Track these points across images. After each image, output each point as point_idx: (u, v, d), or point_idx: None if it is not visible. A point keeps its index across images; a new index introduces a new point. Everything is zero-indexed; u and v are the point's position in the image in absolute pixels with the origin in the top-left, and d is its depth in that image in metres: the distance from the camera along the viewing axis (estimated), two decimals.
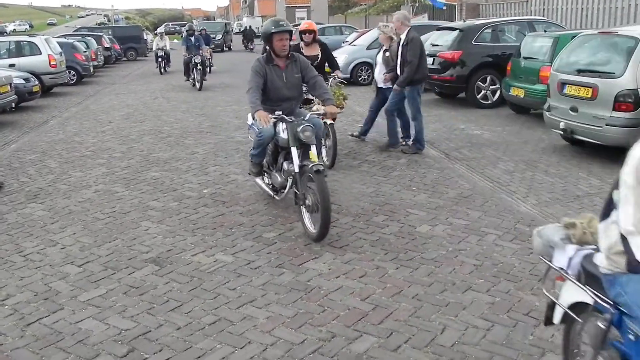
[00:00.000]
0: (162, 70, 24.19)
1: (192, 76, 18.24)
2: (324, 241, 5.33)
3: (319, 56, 7.98)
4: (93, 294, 4.45)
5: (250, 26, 48.11)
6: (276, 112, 5.59)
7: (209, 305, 4.21)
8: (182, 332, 3.86)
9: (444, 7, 28.35)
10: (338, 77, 8.18)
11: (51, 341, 3.79)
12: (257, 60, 5.88)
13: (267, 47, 5.91)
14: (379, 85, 9.19)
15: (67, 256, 5.20)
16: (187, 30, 18.77)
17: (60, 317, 4.11)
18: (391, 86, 8.73)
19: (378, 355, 3.54)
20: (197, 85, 17.76)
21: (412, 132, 8.86)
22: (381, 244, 5.24)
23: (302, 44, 8.04)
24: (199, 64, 17.71)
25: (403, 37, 8.43)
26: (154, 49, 25.29)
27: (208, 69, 20.24)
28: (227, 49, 44.09)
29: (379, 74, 9.12)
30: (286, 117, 5.59)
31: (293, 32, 6.15)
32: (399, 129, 9.08)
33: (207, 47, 19.72)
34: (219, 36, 41.56)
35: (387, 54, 8.81)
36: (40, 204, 6.75)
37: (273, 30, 5.67)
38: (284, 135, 5.64)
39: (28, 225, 6.06)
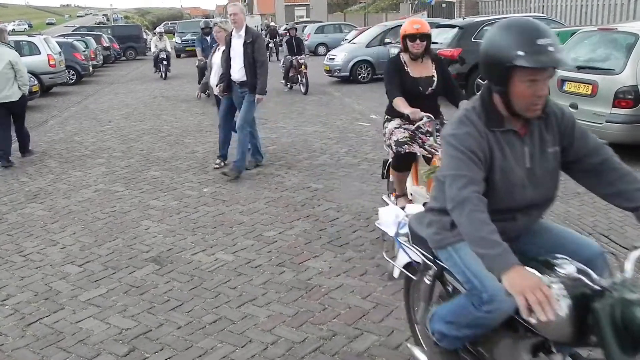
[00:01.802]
0: (164, 75, 21.63)
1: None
2: (323, 239, 5.33)
3: (435, 79, 4.88)
4: (93, 293, 4.45)
5: (269, 24, 42.43)
6: None
7: (209, 304, 4.21)
8: (182, 331, 3.86)
9: (444, 5, 28.33)
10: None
11: (52, 341, 3.79)
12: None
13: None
14: (216, 93, 8.10)
15: (68, 256, 5.20)
16: (202, 28, 15.37)
17: (60, 316, 4.11)
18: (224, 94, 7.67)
19: (379, 353, 3.53)
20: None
21: (245, 148, 7.57)
22: (381, 242, 5.23)
23: (404, 57, 4.93)
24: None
25: (242, 33, 7.26)
26: (152, 50, 22.80)
27: None
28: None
29: (216, 80, 7.93)
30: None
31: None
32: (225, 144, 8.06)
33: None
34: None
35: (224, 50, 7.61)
36: (40, 204, 6.75)
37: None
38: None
39: (28, 225, 6.06)
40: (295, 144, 9.45)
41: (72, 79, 20.33)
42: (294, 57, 15.76)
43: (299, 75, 15.83)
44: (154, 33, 27.76)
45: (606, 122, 7.35)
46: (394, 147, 4.83)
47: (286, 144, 9.47)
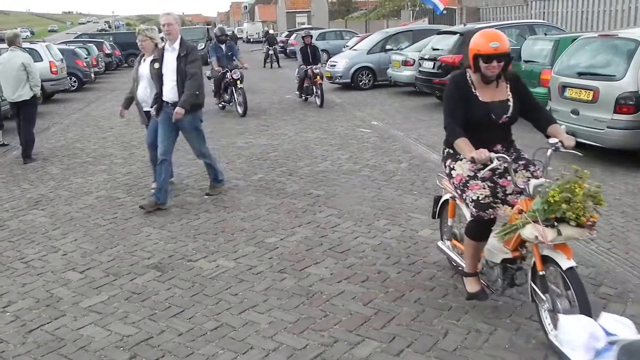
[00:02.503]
0: None
1: (226, 97, 13.78)
2: (325, 246, 5.33)
3: (510, 104, 3.93)
4: (95, 300, 4.45)
5: (268, 30, 41.24)
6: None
7: (210, 311, 4.20)
8: (184, 337, 3.85)
9: (445, 12, 28.39)
10: (564, 146, 3.83)
11: (53, 348, 3.79)
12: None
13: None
14: (147, 110, 7.05)
15: (69, 262, 5.20)
16: (217, 36, 13.55)
17: (62, 323, 4.11)
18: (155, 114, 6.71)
19: None
20: (239, 109, 13.27)
21: (216, 163, 7.07)
22: (383, 249, 5.23)
23: (472, 77, 3.99)
24: (238, 81, 12.96)
25: (177, 45, 6.44)
26: None
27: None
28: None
29: (147, 94, 7.01)
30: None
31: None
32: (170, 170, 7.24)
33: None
34: (201, 45, 34.01)
35: (157, 65, 6.62)
36: (41, 211, 6.75)
37: None
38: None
39: (30, 232, 6.06)
40: (297, 150, 9.45)
41: (73, 86, 20.37)
42: (308, 67, 14.41)
43: (314, 87, 14.56)
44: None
45: (607, 128, 7.35)
46: (473, 209, 3.74)
47: (287, 150, 9.47)
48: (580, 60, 8.31)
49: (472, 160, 3.57)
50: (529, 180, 3.70)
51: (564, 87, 8.15)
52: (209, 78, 13.92)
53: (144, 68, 6.96)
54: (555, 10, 20.54)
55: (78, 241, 5.74)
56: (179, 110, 6.35)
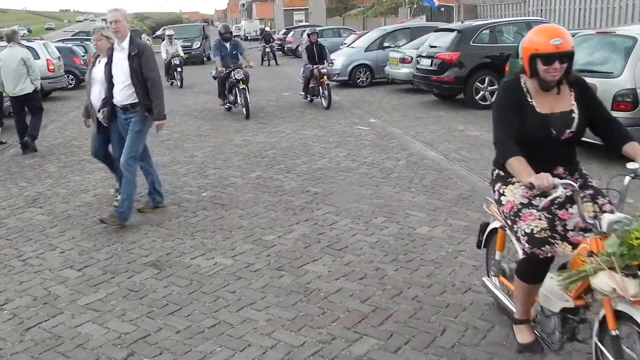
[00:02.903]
0: (179, 83, 19.48)
1: (231, 98, 13.08)
2: (322, 243, 5.33)
3: (575, 116, 3.27)
4: (92, 298, 4.44)
5: (264, 28, 40.11)
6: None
7: (208, 309, 4.20)
8: (181, 335, 3.85)
9: (442, 9, 28.38)
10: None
11: (50, 345, 3.79)
12: None
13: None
14: (100, 118, 6.30)
15: (67, 260, 5.19)
16: (221, 34, 12.80)
17: (59, 321, 4.10)
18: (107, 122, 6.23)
19: (378, 357, 3.53)
20: (244, 111, 12.55)
21: (132, 189, 6.15)
22: (380, 246, 5.23)
23: (527, 83, 3.23)
24: (241, 82, 12.27)
25: (126, 44, 5.95)
26: (163, 57, 19.64)
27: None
28: (207, 59, 32.92)
29: (100, 99, 6.27)
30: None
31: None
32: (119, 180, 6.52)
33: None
34: (197, 44, 32.44)
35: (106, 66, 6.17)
36: (39, 208, 6.74)
37: None
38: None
39: (27, 230, 6.05)
40: (294, 148, 9.45)
41: (71, 84, 20.32)
42: (314, 67, 13.55)
43: (320, 87, 13.75)
44: (159, 37, 25.63)
45: None
46: (525, 245, 3.04)
47: (285, 148, 9.47)
48: (578, 57, 8.20)
49: (531, 187, 2.87)
50: (597, 214, 3.03)
51: None
52: (214, 78, 13.52)
53: (99, 70, 6.33)
54: (553, 8, 20.54)
55: (76, 239, 5.73)
56: (157, 124, 6.13)
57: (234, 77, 12.27)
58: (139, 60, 5.90)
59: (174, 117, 13.33)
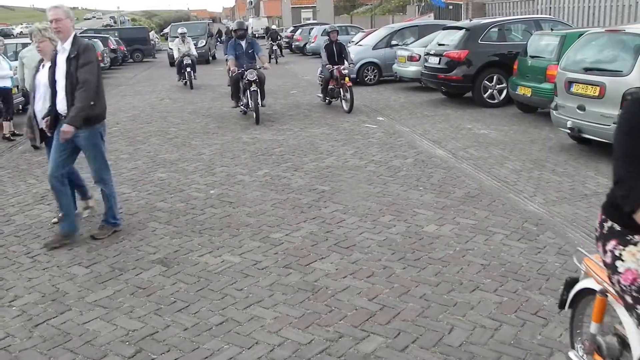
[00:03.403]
0: (190, 84, 18.52)
1: (244, 101, 12.13)
2: (330, 241, 5.33)
3: None
4: (100, 294, 4.46)
5: (269, 27, 39.79)
6: None
7: (216, 306, 4.21)
8: (189, 332, 3.86)
9: (450, 7, 28.29)
10: None
11: (59, 342, 3.80)
12: None
13: None
14: (43, 127, 5.64)
15: (75, 257, 5.21)
16: (233, 30, 12.13)
17: (67, 318, 4.12)
18: (52, 134, 5.52)
19: (385, 355, 3.52)
20: (253, 115, 11.62)
21: (114, 201, 5.82)
22: (388, 244, 5.23)
23: None
24: (253, 83, 11.40)
25: (68, 45, 5.28)
26: (175, 56, 19.11)
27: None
28: (212, 58, 33.30)
29: (47, 107, 5.62)
30: None
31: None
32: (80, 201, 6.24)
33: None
34: (202, 42, 31.07)
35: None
36: (47, 206, 6.77)
37: None
38: None
39: (35, 227, 6.08)
40: (302, 145, 9.44)
41: None
42: (335, 67, 12.67)
43: (341, 89, 12.82)
44: (169, 35, 25.07)
45: (614, 124, 7.31)
46: None
47: (293, 145, 9.47)
48: (587, 55, 8.27)
49: None
50: None
51: (570, 82, 8.11)
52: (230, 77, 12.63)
53: (42, 75, 5.70)
54: (562, 6, 20.44)
55: (83, 236, 5.75)
56: (65, 128, 5.20)
57: (246, 78, 11.44)
58: (77, 62, 5.22)
59: (182, 114, 13.36)
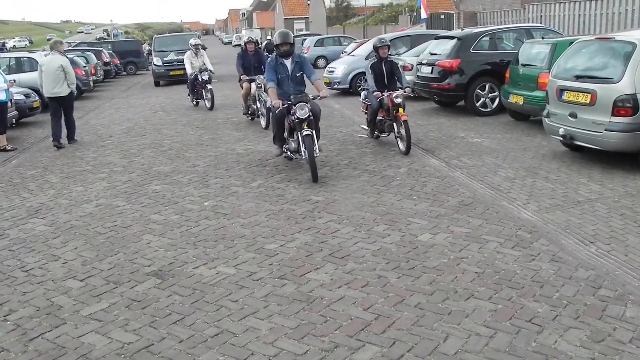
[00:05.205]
0: (207, 104, 16.04)
1: (293, 146, 8.33)
2: (325, 252, 5.34)
3: None
4: (95, 308, 4.45)
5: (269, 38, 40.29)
6: None
7: (211, 318, 4.21)
8: (184, 344, 3.86)
9: (442, 17, 28.46)
10: None
11: (54, 356, 3.79)
12: None
13: None
14: None
15: (69, 271, 5.20)
16: (276, 45, 8.32)
17: (62, 331, 4.11)
18: None
19: None
20: (309, 169, 8.04)
21: None
22: (383, 253, 5.24)
23: None
24: (306, 123, 7.83)
25: None
26: (188, 71, 16.21)
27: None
28: None
29: None
30: None
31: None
32: None
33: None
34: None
35: None
36: (41, 219, 6.76)
37: None
38: None
39: (30, 241, 6.07)
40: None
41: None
42: (385, 93, 9.27)
43: (394, 123, 9.37)
44: (159, 51, 23.80)
45: (605, 130, 7.37)
46: None
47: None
48: (578, 63, 8.33)
49: None
50: None
51: (561, 90, 8.17)
52: (269, 110, 10.37)
53: None
54: (552, 14, 20.60)
55: (78, 249, 5.74)
56: None
57: (295, 115, 7.87)
58: None
59: (176, 127, 13.37)
